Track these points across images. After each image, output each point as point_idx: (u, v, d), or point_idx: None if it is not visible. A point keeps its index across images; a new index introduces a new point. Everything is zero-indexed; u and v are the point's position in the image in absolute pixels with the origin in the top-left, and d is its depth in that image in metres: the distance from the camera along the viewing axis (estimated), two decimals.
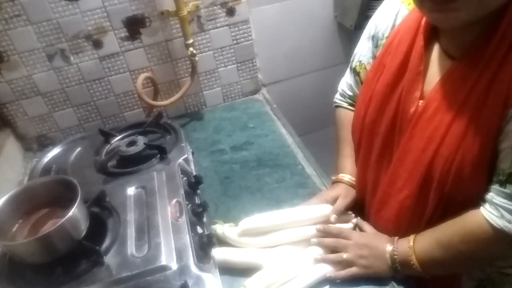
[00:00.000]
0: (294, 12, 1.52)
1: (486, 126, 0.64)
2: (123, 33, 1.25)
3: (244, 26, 1.37)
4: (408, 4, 0.80)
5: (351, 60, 0.97)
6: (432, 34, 0.75)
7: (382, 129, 0.81)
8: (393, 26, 0.83)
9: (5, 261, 0.75)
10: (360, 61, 0.94)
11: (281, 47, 1.57)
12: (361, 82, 0.94)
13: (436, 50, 0.74)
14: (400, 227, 0.81)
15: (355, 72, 0.96)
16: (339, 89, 1.05)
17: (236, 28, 1.36)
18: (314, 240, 0.85)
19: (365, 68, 0.92)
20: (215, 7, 1.30)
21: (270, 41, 1.53)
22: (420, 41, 0.74)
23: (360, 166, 0.92)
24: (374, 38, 0.88)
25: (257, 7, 1.43)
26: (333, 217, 0.87)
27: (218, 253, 0.84)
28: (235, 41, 1.38)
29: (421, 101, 0.74)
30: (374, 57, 0.89)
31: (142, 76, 1.28)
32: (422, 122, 0.72)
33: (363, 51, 0.93)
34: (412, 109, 0.75)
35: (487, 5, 0.60)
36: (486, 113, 0.64)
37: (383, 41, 0.84)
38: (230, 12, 1.33)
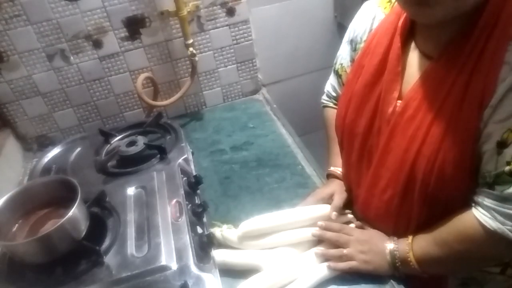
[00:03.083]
0: (294, 12, 1.52)
1: (465, 126, 0.65)
2: (123, 33, 1.25)
3: (244, 26, 1.37)
4: (384, 8, 0.82)
5: (334, 62, 0.99)
6: (409, 35, 0.75)
7: (360, 129, 0.81)
8: (370, 30, 0.84)
9: (5, 261, 0.75)
10: (342, 64, 0.95)
11: (281, 47, 1.57)
12: (343, 84, 0.95)
13: (413, 51, 0.75)
14: (386, 227, 0.81)
15: (338, 74, 0.98)
16: (325, 90, 1.07)
17: (236, 28, 1.36)
18: (316, 232, 0.85)
19: (346, 71, 0.94)
20: (215, 7, 1.30)
21: (270, 41, 1.53)
22: (397, 43, 0.75)
23: (344, 166, 0.94)
24: (353, 42, 0.89)
25: (257, 7, 1.43)
26: (333, 214, 0.87)
27: (218, 255, 0.84)
28: (235, 41, 1.38)
29: (399, 102, 0.74)
30: (352, 60, 0.90)
31: (142, 76, 1.28)
32: (403, 122, 0.72)
33: (344, 54, 0.94)
34: (390, 109, 0.75)
35: (464, 3, 0.60)
36: (464, 113, 0.65)
37: (361, 45, 0.86)
38: (230, 12, 1.33)
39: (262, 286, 0.78)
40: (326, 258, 0.82)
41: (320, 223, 0.86)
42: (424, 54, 0.73)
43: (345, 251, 0.81)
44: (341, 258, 0.81)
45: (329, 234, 0.84)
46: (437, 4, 0.60)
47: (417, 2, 0.62)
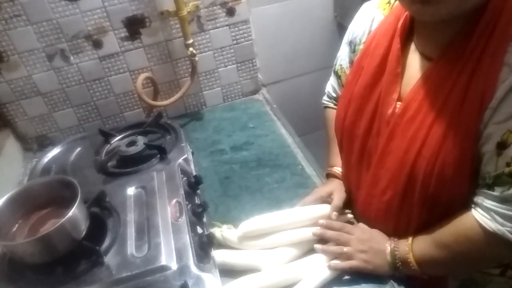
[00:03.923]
0: (294, 12, 1.52)
1: (465, 127, 0.65)
2: (123, 33, 1.25)
3: (244, 26, 1.37)
4: (383, 9, 0.82)
5: (334, 63, 0.99)
6: (408, 37, 0.75)
7: (360, 131, 0.81)
8: (370, 31, 0.84)
9: (5, 261, 0.74)
10: (341, 65, 0.96)
11: (281, 47, 1.57)
12: (343, 85, 0.95)
13: (412, 52, 0.75)
14: (386, 228, 0.81)
15: (337, 75, 0.98)
16: (326, 90, 1.07)
17: (236, 28, 1.36)
18: (317, 231, 0.85)
19: (345, 72, 0.94)
20: (215, 7, 1.30)
21: (270, 41, 1.53)
22: (396, 44, 0.75)
23: (343, 168, 0.94)
24: (352, 44, 0.89)
25: (257, 7, 1.43)
26: (333, 214, 0.88)
27: (218, 255, 0.84)
28: (235, 41, 1.38)
29: (398, 103, 0.74)
30: (351, 62, 0.90)
31: (142, 76, 1.28)
32: (403, 123, 0.72)
33: (343, 56, 0.94)
34: (390, 111, 0.75)
35: (466, 2, 0.60)
36: (464, 115, 0.64)
37: (360, 47, 0.86)
38: (230, 12, 1.33)
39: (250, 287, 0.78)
40: (326, 255, 0.82)
41: (321, 221, 0.86)
42: (423, 55, 0.73)
43: (345, 249, 0.81)
44: (341, 256, 0.81)
45: (329, 233, 0.84)
46: (440, 2, 0.59)
47: (420, 0, 0.61)
